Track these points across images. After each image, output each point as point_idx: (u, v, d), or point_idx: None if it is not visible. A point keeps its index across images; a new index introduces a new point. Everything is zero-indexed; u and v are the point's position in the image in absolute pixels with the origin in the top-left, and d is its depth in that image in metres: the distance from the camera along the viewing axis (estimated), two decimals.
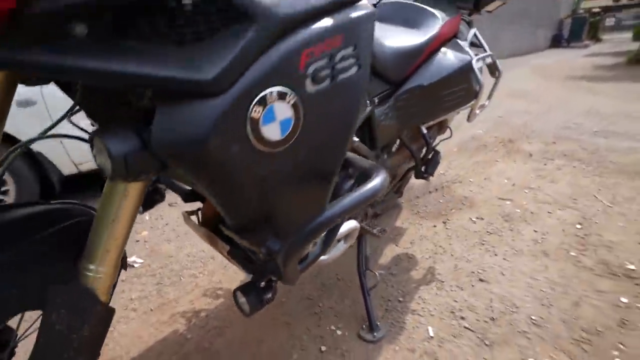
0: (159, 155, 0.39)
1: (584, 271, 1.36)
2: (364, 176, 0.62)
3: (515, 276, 1.35)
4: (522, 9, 11.87)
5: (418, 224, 1.75)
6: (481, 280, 1.33)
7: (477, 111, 1.33)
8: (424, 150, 1.31)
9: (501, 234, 1.63)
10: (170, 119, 0.37)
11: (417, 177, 1.33)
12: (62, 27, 0.31)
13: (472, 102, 1.24)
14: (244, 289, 0.70)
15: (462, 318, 1.16)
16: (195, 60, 0.34)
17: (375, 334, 1.10)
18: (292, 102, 0.42)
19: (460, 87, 1.17)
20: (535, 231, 1.65)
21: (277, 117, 0.41)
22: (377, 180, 0.58)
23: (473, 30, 1.34)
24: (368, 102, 0.95)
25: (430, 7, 1.35)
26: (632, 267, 1.37)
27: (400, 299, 1.27)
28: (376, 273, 1.19)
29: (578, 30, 14.10)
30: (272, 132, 0.42)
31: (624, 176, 2.19)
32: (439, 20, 1.15)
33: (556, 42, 14.02)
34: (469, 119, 1.32)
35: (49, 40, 0.31)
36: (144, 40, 0.34)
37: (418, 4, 1.22)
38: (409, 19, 1.18)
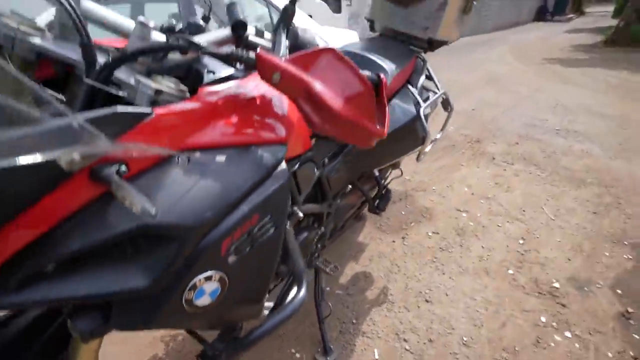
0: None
1: (516, 290, 1.56)
2: (292, 279, 0.73)
3: (456, 296, 1.53)
4: None
5: (379, 239, 1.90)
6: (426, 300, 1.51)
7: (427, 150, 1.44)
8: (376, 189, 1.42)
9: (452, 251, 1.80)
10: (124, 311, 0.47)
11: (369, 211, 1.45)
12: (38, 272, 0.41)
13: (420, 147, 1.35)
14: (202, 356, 0.83)
15: (405, 340, 1.34)
16: (135, 274, 0.44)
17: (328, 357, 1.26)
18: (217, 278, 0.52)
19: (407, 138, 1.27)
20: (483, 247, 1.82)
21: (206, 292, 0.52)
22: (300, 295, 0.69)
23: (423, 76, 1.41)
24: (315, 167, 1.04)
25: (385, 48, 1.42)
26: (557, 285, 1.57)
27: (354, 320, 1.43)
28: (329, 304, 1.34)
29: (562, 2, 14.01)
30: (203, 301, 0.52)
31: (571, 184, 2.38)
32: (388, 77, 1.22)
33: (541, 14, 13.93)
34: (417, 159, 1.43)
35: (25, 284, 0.40)
36: (95, 263, 0.44)
37: (369, 54, 1.27)
38: (363, 70, 1.25)
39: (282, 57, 0.51)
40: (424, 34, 1.42)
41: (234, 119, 0.55)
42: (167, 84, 0.52)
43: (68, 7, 0.47)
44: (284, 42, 0.53)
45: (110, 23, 0.56)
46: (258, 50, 0.48)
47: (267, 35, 0.58)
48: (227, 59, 0.50)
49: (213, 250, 0.50)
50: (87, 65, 0.49)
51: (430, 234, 1.94)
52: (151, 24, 0.54)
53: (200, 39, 0.55)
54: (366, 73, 0.69)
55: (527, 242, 1.86)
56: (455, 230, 1.96)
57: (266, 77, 0.48)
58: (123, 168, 0.43)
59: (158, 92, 0.50)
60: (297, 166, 0.90)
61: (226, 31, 0.56)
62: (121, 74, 0.51)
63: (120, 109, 0.42)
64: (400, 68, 1.31)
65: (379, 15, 1.51)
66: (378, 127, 0.59)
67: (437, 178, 2.53)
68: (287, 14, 0.55)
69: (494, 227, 1.98)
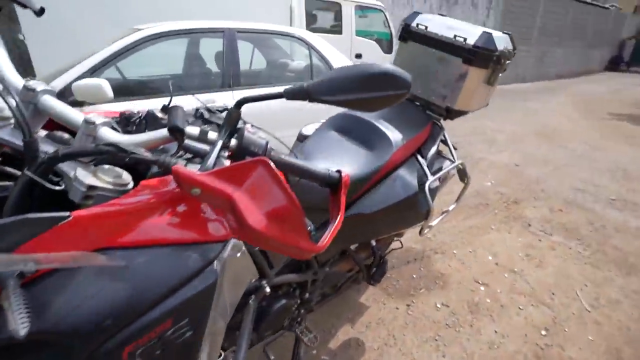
0: None
1: None
2: None
3: None
4: (578, 26, 11.08)
5: (381, 303, 1.79)
6: None
7: (433, 224, 1.34)
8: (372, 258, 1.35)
9: (459, 330, 1.64)
10: None
11: (364, 281, 1.37)
12: None
13: (422, 222, 1.26)
14: None
15: None
16: None
17: None
18: None
19: (406, 213, 1.20)
20: (496, 332, 1.63)
21: None
22: None
23: (436, 146, 1.35)
24: None
25: (399, 113, 1.38)
26: None
27: None
28: None
29: None
30: None
31: (619, 270, 2.08)
32: (391, 148, 1.17)
33: (614, 64, 12.95)
34: (420, 233, 1.33)
35: None
36: None
37: (376, 122, 1.24)
38: (365, 137, 1.22)
39: (208, 168, 0.51)
40: (442, 102, 1.36)
41: (169, 215, 0.55)
42: (106, 179, 0.53)
43: (13, 105, 0.51)
44: (216, 151, 0.53)
45: (66, 118, 0.60)
46: (176, 164, 0.48)
47: (213, 135, 0.58)
48: (154, 165, 0.51)
49: (113, 356, 0.48)
50: (29, 159, 0.52)
51: (439, 305, 1.78)
52: (98, 121, 0.57)
53: (137, 139, 0.57)
54: (328, 170, 0.66)
55: (551, 334, 1.63)
56: (469, 305, 1.79)
57: (185, 191, 0.48)
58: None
59: (92, 187, 0.51)
60: None
61: (165, 132, 0.57)
62: (64, 165, 0.54)
63: (32, 215, 0.44)
64: (410, 136, 1.26)
65: None
66: (317, 244, 0.55)
67: (461, 240, 2.35)
68: (231, 117, 0.55)
69: (514, 309, 1.77)
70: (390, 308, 1.76)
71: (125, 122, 0.66)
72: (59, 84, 1.93)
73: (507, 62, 1.31)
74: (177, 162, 0.50)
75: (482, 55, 1.23)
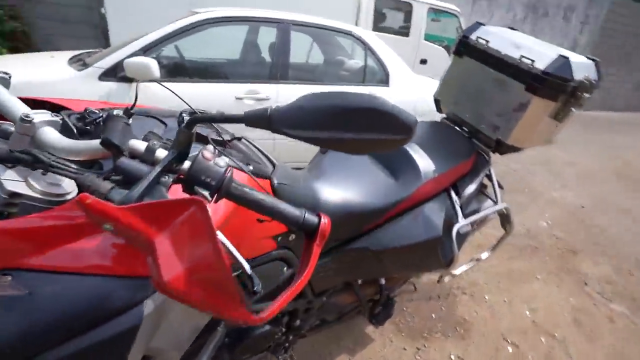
0: None
1: None
2: None
3: None
4: None
5: (388, 340, 1.62)
6: None
7: (457, 272, 1.15)
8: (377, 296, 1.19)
9: None
10: None
11: (366, 317, 1.22)
12: None
13: (442, 271, 1.08)
14: None
15: None
16: None
17: None
18: None
19: (424, 258, 1.03)
20: None
21: None
22: None
23: (477, 182, 1.14)
24: (285, 267, 0.89)
25: (440, 138, 1.20)
26: None
27: None
28: None
29: None
30: None
31: None
32: (419, 179, 1.01)
33: None
34: (438, 280, 1.15)
35: None
36: None
37: (409, 147, 1.07)
38: (392, 163, 1.06)
39: (131, 199, 0.41)
40: (493, 133, 1.15)
41: (100, 238, 0.47)
42: (37, 187, 0.46)
43: None
44: (150, 177, 0.43)
45: (7, 110, 0.54)
46: (82, 193, 0.39)
47: (162, 153, 0.48)
48: (76, 183, 0.43)
49: None
50: None
51: (453, 357, 1.57)
52: (37, 119, 0.49)
53: (72, 147, 0.48)
54: (304, 211, 0.54)
55: None
56: None
57: (96, 225, 0.39)
58: None
59: (15, 195, 0.44)
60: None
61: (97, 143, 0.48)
62: None
63: None
64: (446, 168, 1.08)
65: (446, 97, 1.29)
66: (256, 315, 0.43)
67: (496, 284, 2.08)
68: (180, 138, 0.45)
69: None
70: (397, 347, 1.59)
71: (84, 121, 0.59)
72: (113, 59, 2.00)
73: (586, 95, 1.06)
74: (100, 183, 0.41)
75: (551, 84, 1.01)
